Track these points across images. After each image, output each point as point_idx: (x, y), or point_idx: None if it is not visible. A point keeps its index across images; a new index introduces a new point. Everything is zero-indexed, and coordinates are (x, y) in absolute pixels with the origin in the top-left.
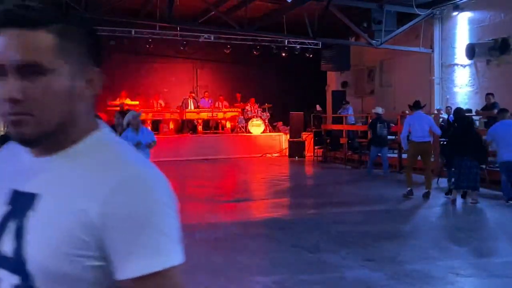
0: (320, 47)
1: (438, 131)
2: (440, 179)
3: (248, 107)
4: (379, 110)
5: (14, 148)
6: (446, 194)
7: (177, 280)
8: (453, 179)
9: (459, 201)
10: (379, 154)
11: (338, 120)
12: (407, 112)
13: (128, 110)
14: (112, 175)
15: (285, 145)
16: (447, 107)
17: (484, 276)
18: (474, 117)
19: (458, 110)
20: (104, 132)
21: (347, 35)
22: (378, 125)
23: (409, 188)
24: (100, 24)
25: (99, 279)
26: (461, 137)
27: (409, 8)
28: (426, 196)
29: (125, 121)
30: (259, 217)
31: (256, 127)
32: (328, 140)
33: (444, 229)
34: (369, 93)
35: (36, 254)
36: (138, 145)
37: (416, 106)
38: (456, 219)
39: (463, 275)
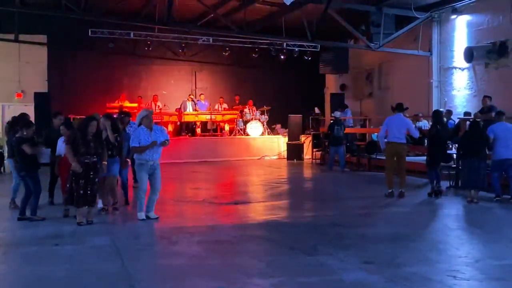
0: (318, 49)
1: (415, 134)
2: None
3: (246, 110)
4: (337, 114)
5: None
6: (429, 195)
7: None
8: (435, 181)
9: (458, 202)
10: (374, 155)
11: None
12: (420, 114)
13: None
14: None
15: (283, 147)
16: (447, 110)
17: (482, 279)
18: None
19: (438, 112)
20: None
21: (345, 38)
22: (336, 127)
23: (390, 190)
24: (99, 26)
25: None
26: (471, 139)
27: (407, 11)
28: (401, 195)
29: (137, 120)
30: (257, 219)
31: (255, 130)
32: (327, 143)
33: (442, 231)
34: (367, 96)
35: None
36: (153, 144)
37: (398, 108)
38: (454, 222)
39: (461, 278)
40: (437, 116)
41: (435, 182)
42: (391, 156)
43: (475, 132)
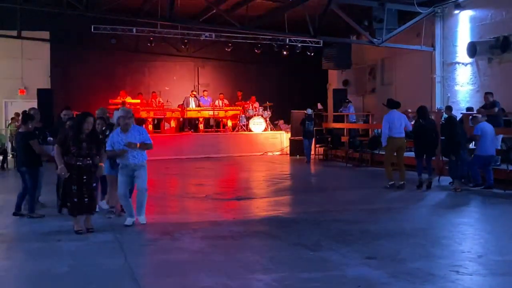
0: (321, 45)
1: (409, 127)
2: (441, 177)
3: (249, 106)
4: (309, 111)
5: None
6: (418, 187)
7: None
8: (427, 174)
9: (461, 197)
10: (376, 150)
11: (339, 119)
12: (409, 110)
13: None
14: None
15: (286, 143)
16: (446, 106)
17: (485, 274)
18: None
19: (422, 108)
20: None
21: (348, 33)
22: (307, 122)
23: (392, 182)
24: (101, 23)
25: None
26: (460, 133)
27: (410, 6)
28: (402, 187)
29: (115, 120)
30: (260, 215)
31: (257, 126)
32: (329, 139)
33: (445, 226)
34: (370, 92)
35: None
36: (123, 152)
37: (393, 105)
38: (457, 217)
39: (464, 273)
40: (419, 111)
41: (427, 175)
42: (394, 150)
43: (453, 128)
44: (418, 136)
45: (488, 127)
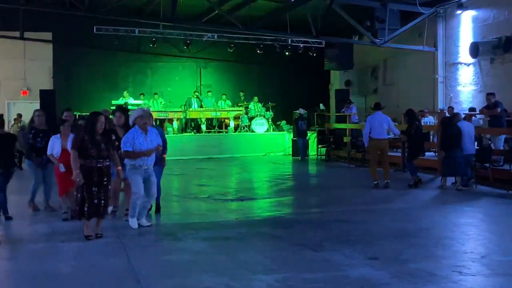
0: (323, 46)
1: (396, 131)
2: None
3: (251, 106)
4: (301, 111)
5: None
6: (410, 186)
7: None
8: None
9: (462, 197)
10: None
11: (341, 119)
12: (426, 110)
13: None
14: None
15: (288, 144)
16: (449, 107)
17: (488, 274)
18: (478, 116)
19: (412, 111)
20: None
21: (350, 33)
22: (300, 122)
23: (376, 182)
24: (103, 24)
25: None
26: (454, 132)
27: (412, 7)
28: (387, 186)
29: (131, 119)
30: (262, 215)
31: (260, 126)
32: (332, 139)
33: (448, 227)
34: (372, 92)
35: None
36: (150, 152)
37: (376, 107)
38: (460, 217)
39: (467, 274)
40: (412, 114)
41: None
42: (376, 150)
43: (453, 126)
44: (417, 137)
45: (466, 126)
